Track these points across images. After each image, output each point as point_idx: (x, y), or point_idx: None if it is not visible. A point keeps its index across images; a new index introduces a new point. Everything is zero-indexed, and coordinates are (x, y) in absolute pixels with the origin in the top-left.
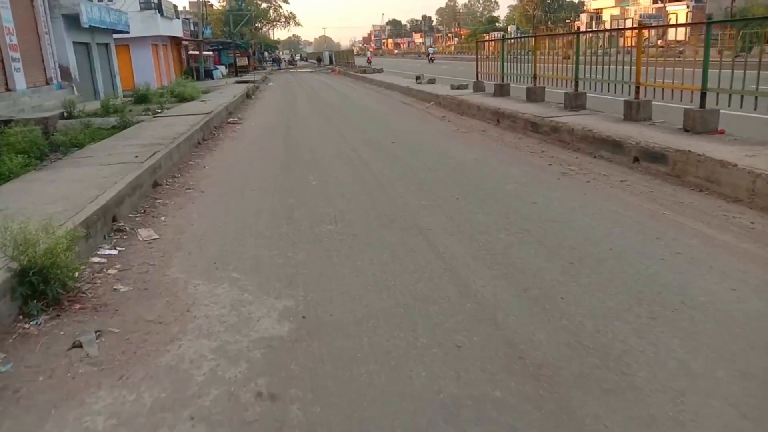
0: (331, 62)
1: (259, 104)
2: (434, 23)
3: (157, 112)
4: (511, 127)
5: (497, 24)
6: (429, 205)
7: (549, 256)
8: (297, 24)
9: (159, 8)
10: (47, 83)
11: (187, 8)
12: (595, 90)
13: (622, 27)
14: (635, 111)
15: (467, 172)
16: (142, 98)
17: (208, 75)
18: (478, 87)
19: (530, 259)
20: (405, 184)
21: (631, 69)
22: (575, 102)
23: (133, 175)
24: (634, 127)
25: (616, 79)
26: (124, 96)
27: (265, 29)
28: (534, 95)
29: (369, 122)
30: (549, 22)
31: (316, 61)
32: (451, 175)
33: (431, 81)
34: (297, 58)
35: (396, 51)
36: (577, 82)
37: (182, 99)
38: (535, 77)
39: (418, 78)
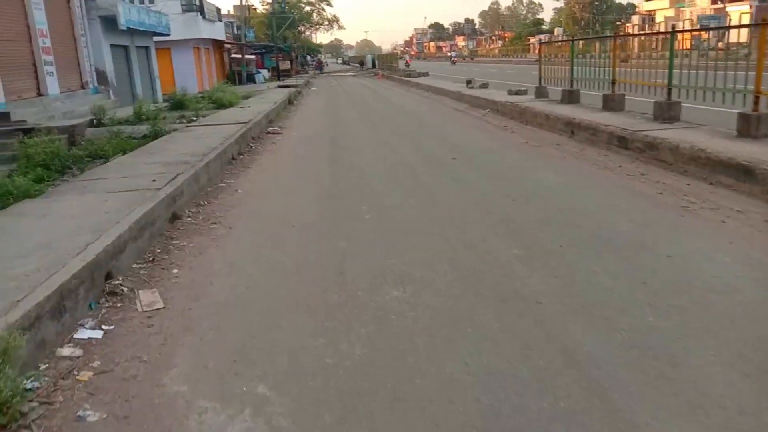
0: (373, 66)
1: (301, 111)
2: (477, 26)
3: (192, 120)
4: (590, 140)
5: (542, 26)
6: (525, 256)
7: (746, 368)
8: (340, 27)
9: (201, 10)
10: (83, 87)
11: (231, 12)
12: (687, 98)
13: (738, 24)
14: (755, 126)
15: (560, 204)
16: (178, 104)
17: (250, 79)
18: (541, 93)
19: (715, 373)
20: (483, 222)
21: (747, 75)
22: (668, 112)
23: (142, 210)
24: (759, 147)
25: (725, 86)
26: (163, 100)
27: (308, 33)
28: (612, 103)
29: (422, 133)
30: (597, 25)
31: (358, 65)
32: (540, 207)
33: (484, 86)
34: (339, 61)
35: (438, 54)
36: (670, 90)
37: (220, 105)
38: (614, 83)
39: (469, 82)
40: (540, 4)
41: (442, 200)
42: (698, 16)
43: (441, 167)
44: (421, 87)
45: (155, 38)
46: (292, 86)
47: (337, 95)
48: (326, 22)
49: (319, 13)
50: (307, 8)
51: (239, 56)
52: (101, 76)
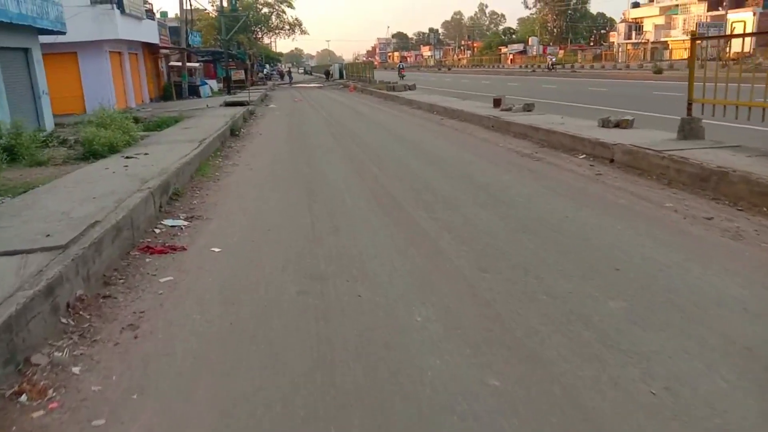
0: (341, 76)
1: (247, 152)
2: (441, 36)
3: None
4: None
5: (514, 36)
6: None
7: None
8: (303, 32)
9: (118, 3)
10: None
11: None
12: None
13: None
14: None
15: None
16: (9, 149)
17: (194, 92)
18: (692, 130)
19: None
20: None
21: None
22: None
23: None
24: None
25: None
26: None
27: (267, 39)
28: None
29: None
30: (571, 34)
31: (324, 75)
32: None
33: (528, 107)
34: (301, 71)
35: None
36: None
37: (91, 150)
38: None
39: (498, 102)
40: (503, 15)
41: None
42: (697, 23)
43: None
44: (418, 106)
45: (43, 37)
46: (243, 104)
47: (304, 117)
48: (287, 27)
49: (278, 16)
50: (265, 9)
51: (180, 64)
52: None
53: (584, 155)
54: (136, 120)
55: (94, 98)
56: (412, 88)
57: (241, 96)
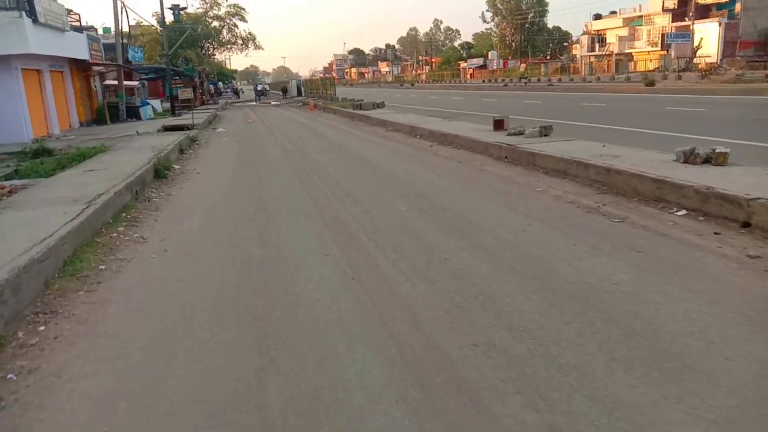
0: (299, 93)
1: (164, 217)
2: (397, 53)
3: None
4: None
5: (472, 50)
6: None
7: None
8: (257, 47)
9: (29, 10)
10: None
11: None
12: None
13: None
14: None
15: None
16: None
17: (133, 114)
18: None
19: None
20: None
21: None
22: None
23: None
24: None
25: None
26: None
27: (219, 55)
28: None
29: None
30: (528, 46)
31: (280, 92)
32: None
33: (545, 131)
34: (260, 88)
35: (360, 81)
36: None
37: None
38: None
39: (499, 124)
40: (457, 30)
41: None
42: (666, 35)
43: None
44: (395, 128)
45: None
46: (185, 128)
47: (258, 144)
48: (240, 41)
49: (230, 30)
50: (215, 23)
51: (115, 83)
52: None
53: (684, 211)
54: (48, 153)
55: (2, 124)
56: (380, 105)
57: (184, 118)
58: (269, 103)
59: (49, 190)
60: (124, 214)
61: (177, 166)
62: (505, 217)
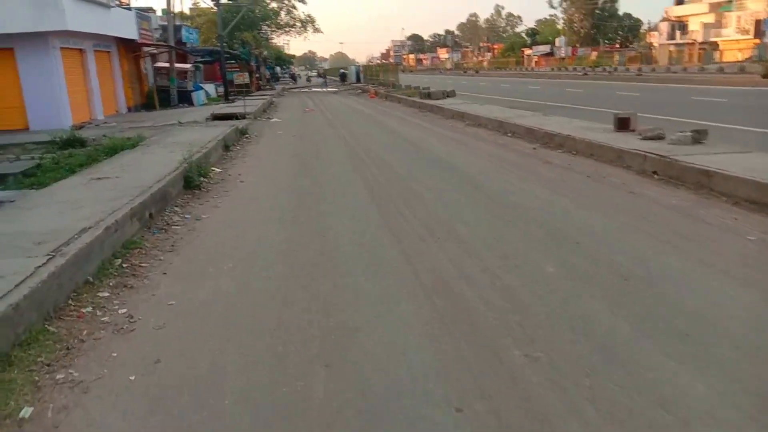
0: (358, 80)
1: (175, 271)
2: (456, 39)
3: None
4: None
5: (537, 37)
6: None
7: None
8: (316, 30)
9: None
10: None
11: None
12: None
13: None
14: None
15: None
16: None
17: (185, 99)
18: None
19: None
20: None
21: None
22: None
23: None
24: None
25: None
26: None
27: (277, 38)
28: None
29: None
30: (597, 34)
31: (338, 78)
32: None
33: (699, 137)
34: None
35: (417, 67)
36: None
37: None
38: None
39: (625, 123)
40: (519, 17)
41: None
42: (762, 20)
43: None
44: (476, 122)
45: None
46: (235, 117)
47: (318, 142)
48: (299, 24)
49: (289, 12)
50: (274, 4)
51: (168, 65)
52: None
53: None
54: (81, 143)
55: (39, 109)
56: (451, 94)
57: (236, 106)
58: (326, 89)
59: (18, 214)
60: (118, 261)
61: (218, 169)
62: (730, 295)
